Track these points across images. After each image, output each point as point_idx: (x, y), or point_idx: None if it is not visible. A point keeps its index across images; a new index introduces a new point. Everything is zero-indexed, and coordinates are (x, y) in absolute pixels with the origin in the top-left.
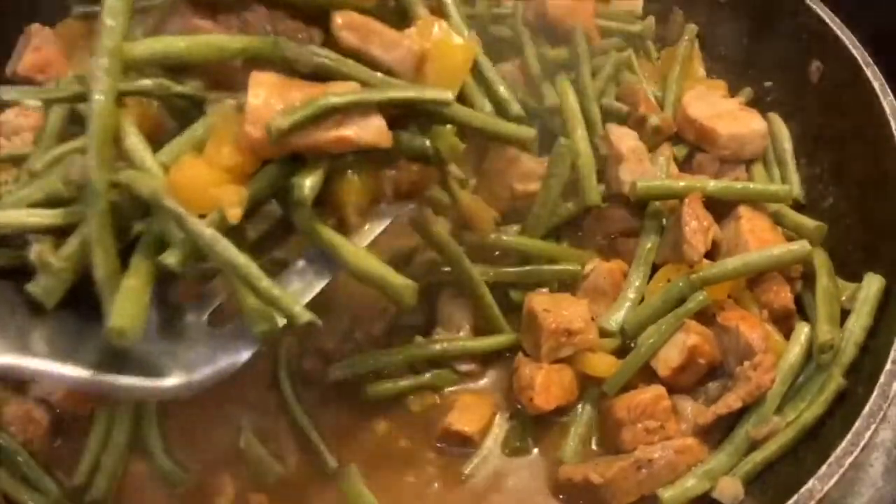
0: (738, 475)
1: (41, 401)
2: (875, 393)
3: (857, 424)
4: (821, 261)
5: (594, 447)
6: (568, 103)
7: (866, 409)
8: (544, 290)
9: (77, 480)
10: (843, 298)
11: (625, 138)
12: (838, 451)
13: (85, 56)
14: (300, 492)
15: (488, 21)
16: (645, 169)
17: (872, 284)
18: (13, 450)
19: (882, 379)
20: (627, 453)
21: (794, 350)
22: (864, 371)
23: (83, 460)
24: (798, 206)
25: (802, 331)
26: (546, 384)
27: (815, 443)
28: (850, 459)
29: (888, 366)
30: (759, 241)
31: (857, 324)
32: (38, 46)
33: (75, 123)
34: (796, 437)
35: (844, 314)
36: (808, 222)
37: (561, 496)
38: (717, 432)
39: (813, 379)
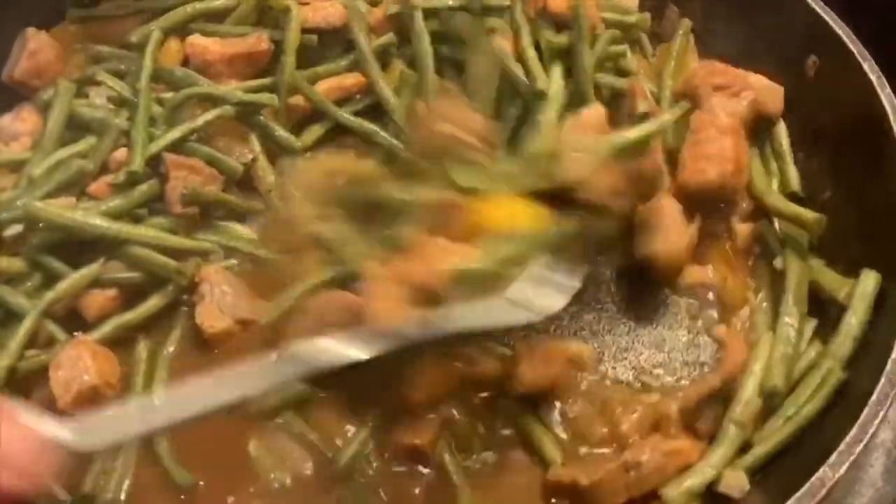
0: (739, 469)
1: (47, 406)
2: (882, 381)
3: (865, 412)
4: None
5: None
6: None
7: (874, 396)
8: None
9: (86, 486)
10: (842, 295)
11: None
12: (848, 438)
13: (81, 60)
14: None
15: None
16: None
17: (869, 280)
18: None
19: (888, 367)
20: (615, 455)
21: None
22: (866, 362)
23: (92, 466)
24: (797, 200)
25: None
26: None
27: (819, 434)
28: (859, 448)
29: (894, 355)
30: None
31: (855, 318)
32: (34, 51)
33: (73, 127)
34: (797, 432)
35: (841, 309)
36: (809, 214)
37: (549, 498)
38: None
39: (811, 373)
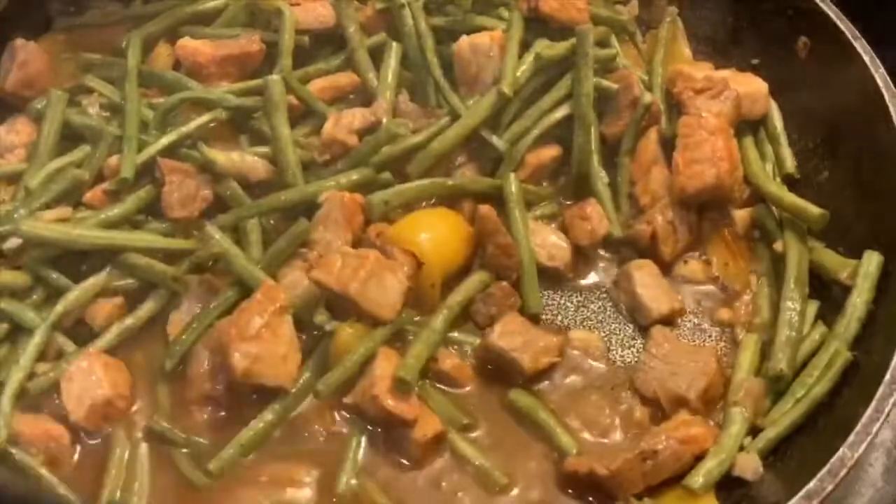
0: (752, 452)
1: (60, 418)
2: (894, 361)
3: (880, 391)
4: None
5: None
6: None
7: (887, 375)
8: None
9: (104, 498)
10: (843, 275)
11: None
12: (865, 418)
13: (71, 69)
14: None
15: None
16: None
17: (872, 261)
18: (38, 470)
19: None
20: (631, 443)
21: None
22: (873, 342)
23: (107, 476)
24: (792, 181)
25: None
26: None
27: (831, 415)
28: (876, 426)
29: None
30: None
31: (860, 299)
32: (23, 62)
33: (67, 137)
34: (808, 413)
35: (844, 290)
36: (812, 209)
37: (566, 489)
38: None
39: (818, 355)
